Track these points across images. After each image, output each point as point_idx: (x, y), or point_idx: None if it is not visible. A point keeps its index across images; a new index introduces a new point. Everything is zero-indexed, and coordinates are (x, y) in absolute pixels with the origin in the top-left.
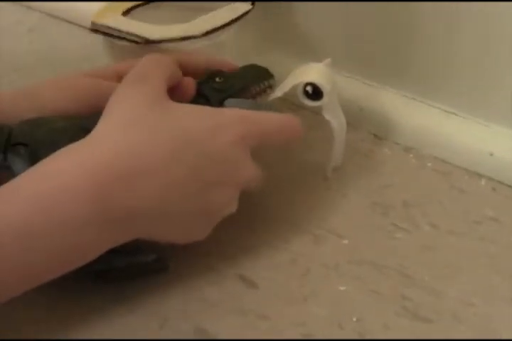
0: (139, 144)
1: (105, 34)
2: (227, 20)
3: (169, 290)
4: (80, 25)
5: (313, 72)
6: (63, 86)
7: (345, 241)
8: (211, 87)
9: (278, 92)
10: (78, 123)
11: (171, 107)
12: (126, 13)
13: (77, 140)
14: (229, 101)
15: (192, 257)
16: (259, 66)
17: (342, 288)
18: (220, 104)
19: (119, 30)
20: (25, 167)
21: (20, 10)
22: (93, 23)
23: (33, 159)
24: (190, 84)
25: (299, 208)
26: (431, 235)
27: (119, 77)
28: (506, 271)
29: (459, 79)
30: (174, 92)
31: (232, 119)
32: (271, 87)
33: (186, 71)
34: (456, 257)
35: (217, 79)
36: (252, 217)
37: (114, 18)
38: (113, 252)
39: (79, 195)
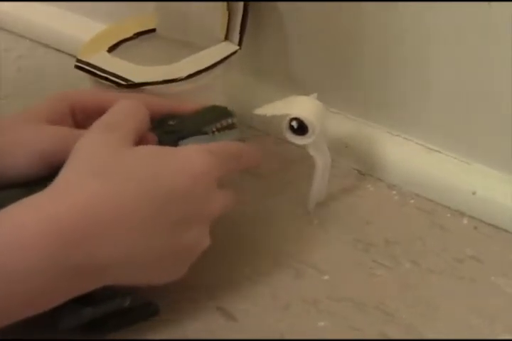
0: (102, 195)
1: (89, 72)
2: (211, 62)
3: (148, 321)
4: (69, 53)
5: (302, 107)
6: (22, 139)
7: (326, 277)
8: (163, 130)
9: (263, 111)
10: (34, 190)
11: (133, 152)
12: (113, 47)
13: None
14: (183, 141)
15: (172, 289)
16: (219, 106)
17: (321, 324)
18: (175, 144)
19: (103, 70)
20: None
21: (9, 37)
22: (78, 60)
23: None
24: (152, 139)
25: (280, 242)
26: (411, 273)
27: (74, 106)
28: (485, 310)
29: (444, 118)
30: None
31: (190, 155)
32: (233, 126)
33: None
34: (436, 295)
35: (170, 122)
36: (234, 250)
37: (99, 55)
38: (84, 303)
39: (38, 247)
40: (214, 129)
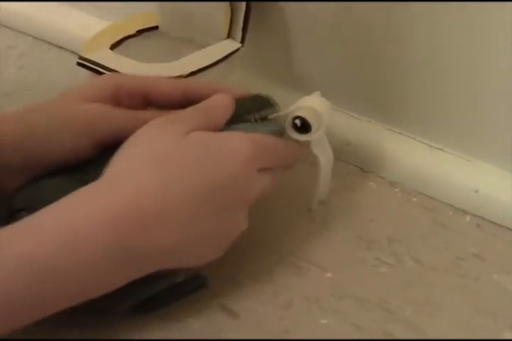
0: (152, 185)
1: (91, 69)
2: (214, 59)
3: (151, 319)
4: (71, 51)
5: (306, 105)
6: (65, 116)
7: (329, 275)
8: None
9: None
10: (77, 178)
11: (182, 141)
12: (116, 44)
13: None
14: (225, 128)
15: None
16: (262, 95)
17: (323, 322)
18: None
19: (105, 67)
20: None
21: (12, 35)
22: (80, 58)
23: None
24: None
25: (283, 240)
26: (414, 270)
27: (118, 89)
28: (488, 308)
29: (447, 115)
30: None
31: (236, 142)
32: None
33: (190, 98)
34: (438, 293)
35: None
36: (236, 248)
37: (101, 52)
38: (139, 283)
39: (96, 238)
40: (257, 117)
